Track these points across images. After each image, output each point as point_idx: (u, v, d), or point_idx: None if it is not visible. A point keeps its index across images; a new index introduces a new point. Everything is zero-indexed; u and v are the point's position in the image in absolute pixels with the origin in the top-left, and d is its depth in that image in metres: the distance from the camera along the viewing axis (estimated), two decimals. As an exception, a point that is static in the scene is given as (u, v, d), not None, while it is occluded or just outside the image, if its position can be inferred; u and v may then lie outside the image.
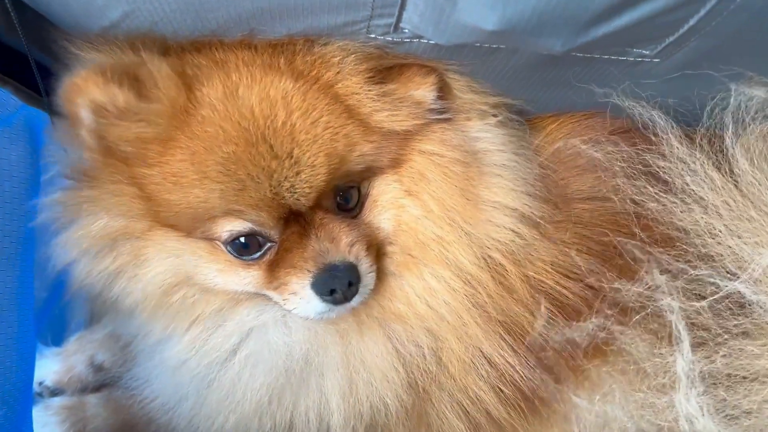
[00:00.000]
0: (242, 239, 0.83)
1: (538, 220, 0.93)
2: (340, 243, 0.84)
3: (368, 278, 0.86)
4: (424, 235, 0.91)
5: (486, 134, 0.94)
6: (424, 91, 0.87)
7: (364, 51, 0.84)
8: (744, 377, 0.83)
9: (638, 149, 0.92)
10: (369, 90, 0.83)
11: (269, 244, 0.84)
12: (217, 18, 0.76)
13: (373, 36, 0.81)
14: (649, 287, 0.85)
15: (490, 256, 0.92)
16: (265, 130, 0.77)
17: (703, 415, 0.80)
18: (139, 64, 0.76)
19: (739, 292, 0.81)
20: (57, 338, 1.24)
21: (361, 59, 0.84)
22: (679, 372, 0.82)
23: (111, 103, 0.75)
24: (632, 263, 0.89)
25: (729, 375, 0.83)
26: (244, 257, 0.84)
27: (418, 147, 0.90)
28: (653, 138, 0.92)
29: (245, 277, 0.86)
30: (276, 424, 0.93)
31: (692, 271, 0.82)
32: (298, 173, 0.79)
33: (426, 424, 0.97)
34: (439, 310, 0.91)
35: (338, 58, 0.83)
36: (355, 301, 0.85)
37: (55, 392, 1.18)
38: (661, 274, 0.85)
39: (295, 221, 0.83)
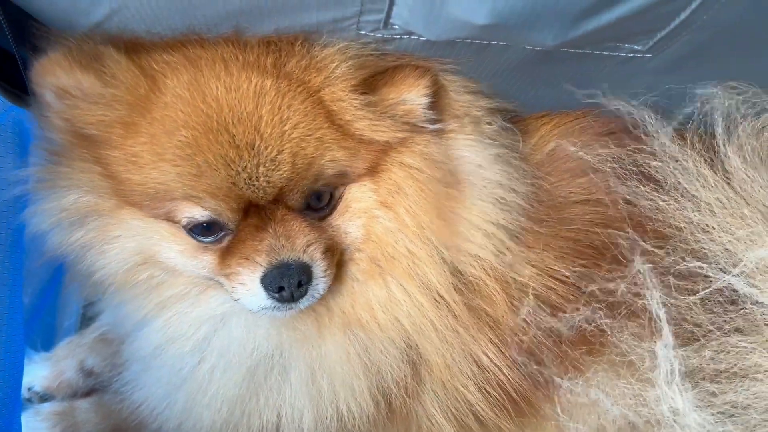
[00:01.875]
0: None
1: (522, 232, 0.93)
2: (296, 242, 0.83)
3: (321, 282, 0.85)
4: (394, 248, 0.91)
5: (472, 153, 0.93)
6: (416, 94, 0.86)
7: (361, 57, 0.84)
8: (735, 373, 0.82)
9: (629, 150, 0.92)
10: (354, 98, 0.83)
11: (225, 232, 0.84)
12: (204, 14, 0.75)
13: (363, 33, 0.81)
14: (635, 281, 0.84)
15: (463, 272, 0.92)
16: (229, 118, 0.77)
17: (691, 409, 0.79)
18: (103, 54, 0.77)
19: (730, 286, 0.81)
20: (46, 343, 1.24)
21: (355, 66, 0.83)
22: (661, 364, 0.81)
23: (75, 87, 0.78)
24: (622, 259, 0.88)
25: (720, 371, 0.83)
26: (202, 239, 0.84)
27: (399, 159, 0.89)
28: (644, 137, 0.92)
29: (201, 260, 0.86)
30: (253, 423, 0.94)
31: (683, 264, 0.82)
32: (257, 165, 0.78)
33: (416, 426, 0.97)
34: (402, 321, 0.91)
35: (334, 64, 0.83)
36: (303, 303, 0.85)
37: (44, 398, 1.17)
38: (647, 267, 0.84)
39: (256, 213, 0.82)
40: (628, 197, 0.89)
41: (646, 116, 0.90)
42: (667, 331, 0.81)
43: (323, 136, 0.81)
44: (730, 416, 0.81)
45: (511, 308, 0.92)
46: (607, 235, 0.90)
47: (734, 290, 0.83)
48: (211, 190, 0.79)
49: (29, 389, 1.16)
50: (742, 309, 0.83)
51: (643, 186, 0.89)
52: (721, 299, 0.85)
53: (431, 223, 0.89)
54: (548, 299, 0.91)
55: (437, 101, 0.89)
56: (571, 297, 0.91)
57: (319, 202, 0.87)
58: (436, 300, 0.91)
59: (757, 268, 0.81)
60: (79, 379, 1.19)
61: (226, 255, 0.84)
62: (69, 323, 1.30)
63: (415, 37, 0.82)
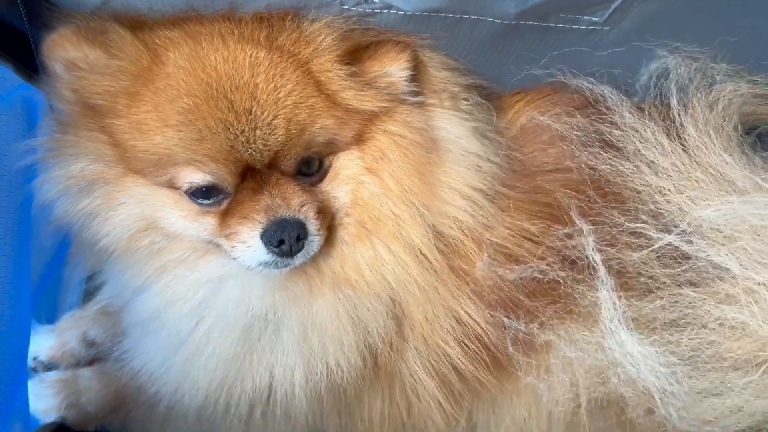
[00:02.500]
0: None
1: (497, 197, 1.00)
2: (291, 201, 0.89)
3: (314, 239, 0.91)
4: (379, 211, 0.97)
5: (450, 125, 0.99)
6: (397, 67, 0.92)
7: (347, 30, 0.91)
8: (687, 323, 0.89)
9: (593, 119, 0.98)
10: (340, 69, 0.89)
11: (224, 195, 0.90)
12: None
13: (346, 7, 0.88)
14: (582, 236, 0.92)
15: (443, 233, 0.98)
16: (227, 86, 0.84)
17: (635, 342, 0.86)
18: (109, 29, 0.85)
19: (673, 243, 0.89)
20: (50, 317, 1.29)
21: (340, 39, 0.90)
22: (603, 304, 0.90)
23: (82, 59, 0.85)
24: (578, 218, 0.96)
25: (673, 320, 0.90)
26: (202, 201, 0.90)
27: (383, 127, 0.95)
28: (606, 110, 0.99)
29: (202, 223, 0.91)
30: (246, 384, 1.00)
31: (638, 223, 0.89)
32: (254, 129, 0.85)
33: (400, 382, 1.03)
34: (388, 278, 0.97)
35: (321, 36, 0.89)
36: (299, 259, 0.90)
37: (49, 367, 1.22)
38: (591, 226, 0.93)
39: (252, 177, 0.88)
40: (591, 162, 0.96)
41: (606, 91, 0.98)
42: (603, 272, 0.89)
43: (314, 104, 0.88)
44: (681, 361, 0.88)
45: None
46: (570, 196, 0.97)
47: (682, 246, 0.90)
48: (212, 154, 0.85)
49: (34, 359, 1.21)
50: (693, 263, 0.90)
51: (605, 153, 0.96)
52: (675, 254, 0.92)
53: (413, 186, 0.96)
54: (521, 257, 0.97)
55: (417, 75, 0.95)
56: (541, 254, 0.97)
57: (309, 168, 0.93)
58: (419, 258, 0.97)
59: (705, 225, 0.88)
60: (81, 349, 1.24)
61: (225, 217, 0.90)
62: (72, 299, 1.35)
63: (394, 11, 0.89)
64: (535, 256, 0.96)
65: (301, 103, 0.87)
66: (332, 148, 0.94)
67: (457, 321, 0.99)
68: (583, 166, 0.97)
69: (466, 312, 0.99)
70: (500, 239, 0.99)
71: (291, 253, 0.89)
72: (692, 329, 0.89)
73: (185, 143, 0.85)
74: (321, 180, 0.95)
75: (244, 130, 0.85)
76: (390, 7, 0.89)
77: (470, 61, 1.02)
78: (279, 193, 0.89)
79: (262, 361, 1.00)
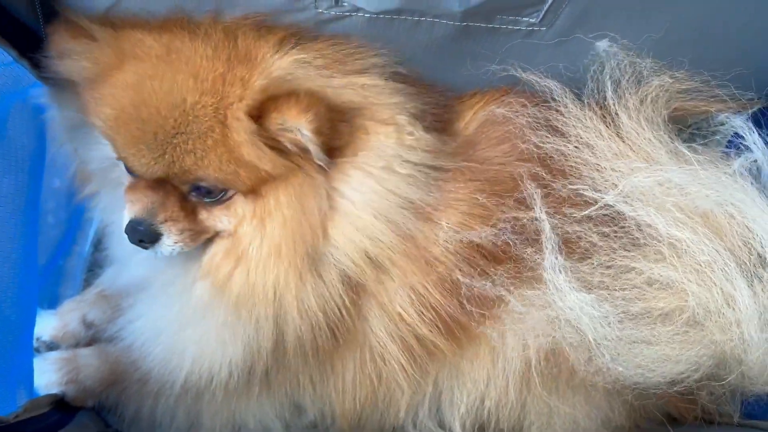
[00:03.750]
0: None
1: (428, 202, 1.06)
2: (158, 215, 0.99)
3: (166, 248, 1.01)
4: (251, 255, 1.02)
5: (360, 189, 1.00)
6: (300, 124, 0.89)
7: (274, 77, 0.93)
8: (621, 282, 1.01)
9: (541, 108, 1.10)
10: (248, 122, 0.91)
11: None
12: None
13: (320, 11, 1.00)
14: (532, 200, 1.04)
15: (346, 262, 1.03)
16: (147, 110, 0.93)
17: (570, 289, 0.98)
18: (93, 29, 0.98)
19: (609, 206, 1.01)
20: (52, 304, 1.37)
21: (266, 85, 0.92)
22: (548, 266, 1.01)
23: (70, 49, 0.98)
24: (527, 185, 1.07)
25: (608, 280, 1.02)
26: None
27: (275, 192, 0.97)
28: (551, 101, 1.12)
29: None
30: (224, 350, 1.09)
31: (578, 192, 1.02)
32: (145, 152, 0.94)
33: (369, 348, 1.12)
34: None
35: (254, 77, 0.93)
36: (155, 252, 1.02)
37: (51, 347, 1.30)
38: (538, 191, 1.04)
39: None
40: (539, 143, 1.07)
41: (552, 84, 1.10)
42: (548, 229, 1.01)
43: (206, 156, 0.93)
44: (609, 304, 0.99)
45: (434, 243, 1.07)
46: (519, 174, 1.08)
47: (615, 210, 1.02)
48: (123, 148, 0.97)
49: (37, 339, 1.28)
50: (626, 226, 1.02)
51: (551, 135, 1.07)
52: (610, 219, 1.04)
53: (289, 253, 0.99)
54: (471, 226, 1.07)
55: (333, 131, 0.94)
56: (494, 222, 1.07)
57: (208, 192, 1.00)
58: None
59: (637, 190, 1.01)
60: (81, 330, 1.31)
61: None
62: (72, 290, 1.45)
63: (361, 14, 1.01)
64: (489, 223, 1.06)
65: (194, 153, 0.93)
66: (227, 186, 0.99)
67: (413, 293, 1.07)
68: (532, 147, 1.08)
69: (421, 284, 1.07)
70: (457, 217, 1.08)
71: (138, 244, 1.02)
72: (624, 287, 1.00)
73: (111, 132, 0.97)
74: (218, 203, 1.01)
75: (141, 148, 0.95)
76: (357, 9, 1.00)
77: (430, 64, 1.12)
78: (158, 200, 0.99)
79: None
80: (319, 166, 0.95)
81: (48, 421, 1.11)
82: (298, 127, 0.89)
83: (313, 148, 0.91)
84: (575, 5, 1.00)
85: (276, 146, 0.93)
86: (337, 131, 0.95)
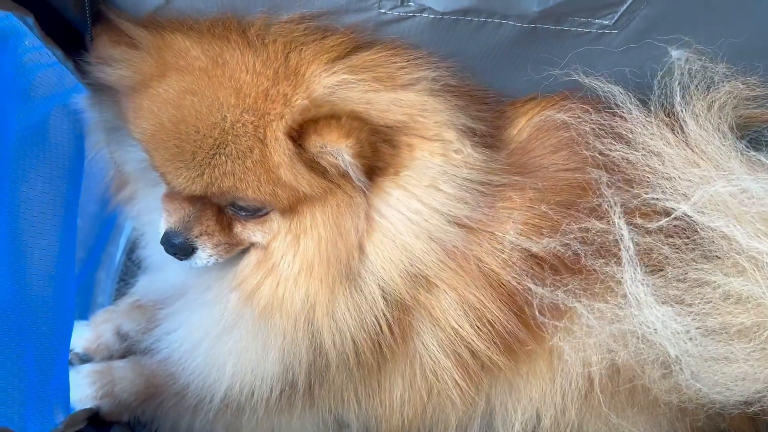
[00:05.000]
0: None
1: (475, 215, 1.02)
2: (194, 228, 1.00)
3: (201, 260, 1.03)
4: (281, 276, 1.01)
5: (404, 208, 0.98)
6: (340, 149, 0.87)
7: (316, 97, 0.91)
8: (696, 295, 0.97)
9: (604, 114, 1.06)
10: (287, 143, 0.89)
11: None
12: None
13: (383, 11, 0.96)
14: (609, 206, 1.00)
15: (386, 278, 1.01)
16: (186, 129, 0.91)
17: (659, 314, 0.94)
18: (137, 34, 0.96)
19: (685, 215, 0.97)
20: (84, 314, 1.35)
21: (305, 108, 0.90)
22: (627, 278, 0.97)
23: (111, 56, 0.97)
24: (598, 204, 1.03)
25: (682, 294, 0.98)
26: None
27: (313, 210, 0.96)
28: (615, 107, 1.08)
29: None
30: (267, 364, 1.07)
31: (649, 202, 0.98)
32: (184, 170, 0.94)
33: (419, 364, 1.10)
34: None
35: (296, 97, 0.91)
36: (189, 263, 1.03)
37: (84, 359, 1.28)
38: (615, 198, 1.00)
39: None
40: (603, 150, 1.03)
41: (616, 90, 1.06)
42: (627, 237, 0.96)
43: (245, 178, 0.92)
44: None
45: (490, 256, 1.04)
46: (588, 182, 1.04)
47: (689, 221, 0.98)
48: (161, 164, 0.96)
49: (71, 351, 1.26)
50: (701, 237, 0.98)
51: (617, 143, 1.03)
52: (683, 231, 1.00)
53: (322, 273, 0.98)
54: (532, 237, 1.04)
55: (375, 154, 0.92)
56: (563, 231, 1.03)
57: (244, 209, 1.00)
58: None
59: (713, 200, 0.96)
60: (115, 342, 1.29)
61: (167, 194, 1.03)
62: (102, 298, 1.42)
63: (426, 15, 0.97)
64: (557, 233, 1.02)
65: (233, 174, 0.92)
66: (265, 205, 0.98)
67: (468, 307, 1.04)
68: (597, 154, 1.04)
69: (477, 299, 1.04)
70: (514, 228, 1.04)
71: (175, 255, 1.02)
72: (699, 301, 0.96)
73: (149, 147, 0.96)
74: (254, 218, 1.01)
75: (179, 167, 0.93)
76: (423, 9, 0.96)
77: (489, 68, 1.08)
78: (194, 212, 1.00)
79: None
80: (360, 185, 0.94)
81: (83, 437, 1.07)
82: (339, 151, 0.87)
83: (354, 172, 0.90)
84: (654, 7, 0.96)
85: (315, 167, 0.91)
86: (379, 152, 0.92)
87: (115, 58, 0.96)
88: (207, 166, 0.92)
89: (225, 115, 0.89)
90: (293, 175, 0.90)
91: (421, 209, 0.97)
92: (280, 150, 0.89)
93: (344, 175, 0.92)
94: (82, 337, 1.28)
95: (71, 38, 1.00)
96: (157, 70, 0.93)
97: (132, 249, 1.45)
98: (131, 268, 1.44)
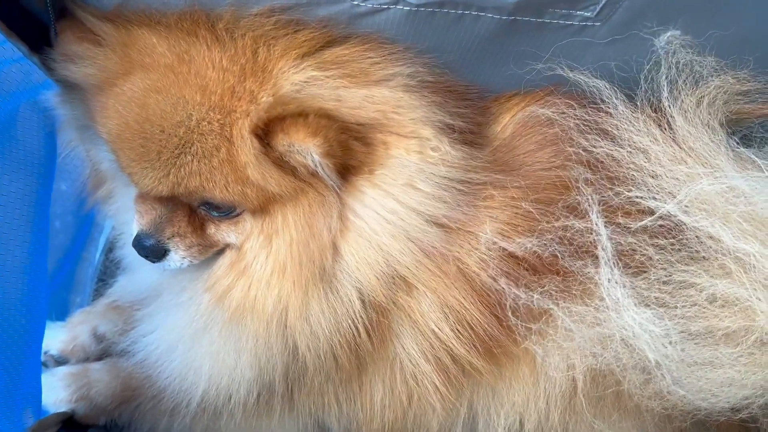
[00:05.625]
0: None
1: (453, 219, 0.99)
2: (166, 230, 0.98)
3: (174, 263, 1.00)
4: (254, 274, 0.99)
5: (379, 208, 0.95)
6: (308, 148, 0.84)
7: (282, 94, 0.88)
8: (680, 298, 0.93)
9: (589, 110, 1.03)
10: (252, 141, 0.86)
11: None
12: None
13: (356, 3, 0.93)
14: (587, 204, 0.96)
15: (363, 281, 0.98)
16: (152, 128, 0.89)
17: (638, 316, 0.90)
18: (102, 30, 0.93)
19: (669, 215, 0.93)
20: (61, 315, 1.33)
21: (270, 105, 0.87)
22: (604, 280, 0.94)
23: (75, 52, 0.94)
24: (578, 202, 0.99)
25: (665, 297, 0.94)
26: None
27: (284, 210, 0.94)
28: (601, 103, 1.04)
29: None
30: (243, 368, 1.04)
31: (633, 200, 0.94)
32: (150, 170, 0.91)
33: (399, 368, 1.07)
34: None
35: (262, 93, 0.88)
36: (162, 266, 1.01)
37: (59, 361, 1.26)
38: (594, 197, 0.96)
39: None
40: (587, 147, 1.00)
41: (601, 84, 1.02)
42: (605, 237, 0.93)
43: (212, 177, 0.89)
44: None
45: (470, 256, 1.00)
46: (567, 180, 1.01)
47: (674, 221, 0.95)
48: (125, 167, 0.94)
49: (45, 353, 1.24)
50: (686, 238, 0.95)
51: (602, 140, 1.00)
52: (668, 231, 0.96)
53: (295, 274, 0.95)
54: (512, 237, 1.00)
55: (346, 152, 0.89)
56: (540, 231, 1.00)
57: (216, 208, 0.97)
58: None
59: (699, 198, 0.93)
60: (91, 343, 1.27)
61: (138, 195, 1.00)
62: (82, 299, 1.40)
63: (401, 7, 0.93)
64: (534, 233, 0.99)
65: (200, 174, 0.89)
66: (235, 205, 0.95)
67: (448, 309, 1.01)
68: (581, 151, 1.00)
69: (457, 300, 1.01)
70: (495, 227, 1.01)
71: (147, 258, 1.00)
72: (684, 304, 0.93)
73: (114, 146, 0.93)
74: (227, 218, 0.99)
75: (145, 167, 0.91)
76: (398, 1, 0.92)
77: (469, 63, 1.05)
78: (166, 213, 0.98)
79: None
80: (332, 185, 0.91)
81: (56, 442, 1.04)
82: (307, 150, 0.84)
83: (323, 172, 0.87)
84: (634, -1, 0.92)
85: (284, 166, 0.88)
86: (351, 150, 0.89)
87: (79, 55, 0.93)
88: (173, 165, 0.89)
89: (190, 113, 0.86)
90: (261, 175, 0.88)
91: (397, 209, 0.94)
92: (247, 149, 0.87)
93: (315, 174, 0.89)
94: (57, 338, 1.26)
95: (36, 32, 0.97)
96: (122, 67, 0.90)
97: (111, 249, 1.41)
98: (110, 267, 1.41)
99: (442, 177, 0.96)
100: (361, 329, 1.00)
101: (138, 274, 1.24)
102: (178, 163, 0.89)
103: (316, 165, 0.86)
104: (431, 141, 0.94)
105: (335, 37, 0.95)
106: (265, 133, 0.86)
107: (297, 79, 0.88)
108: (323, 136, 0.83)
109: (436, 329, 1.02)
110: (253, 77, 0.88)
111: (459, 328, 1.02)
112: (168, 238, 0.98)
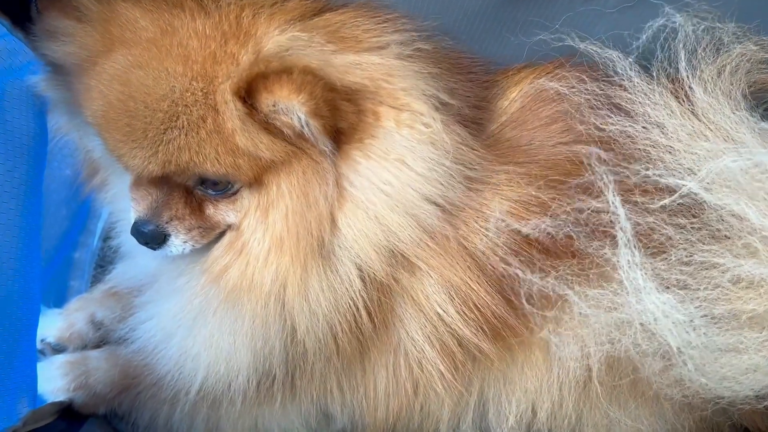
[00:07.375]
0: None
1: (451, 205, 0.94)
2: (163, 213, 0.94)
3: (174, 247, 0.96)
4: (251, 251, 0.94)
5: (374, 178, 0.90)
6: (292, 105, 0.80)
7: (265, 52, 0.83)
8: (702, 280, 0.89)
9: (601, 83, 0.98)
10: (236, 104, 0.82)
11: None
12: None
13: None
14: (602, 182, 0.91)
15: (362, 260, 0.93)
16: (135, 104, 0.85)
17: (659, 302, 0.86)
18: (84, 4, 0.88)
19: (691, 193, 0.88)
20: (59, 301, 1.30)
21: (252, 63, 0.83)
22: (625, 271, 0.88)
23: (57, 28, 0.90)
24: (593, 181, 0.94)
25: (687, 279, 0.89)
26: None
27: (277, 180, 0.89)
28: (614, 75, 0.99)
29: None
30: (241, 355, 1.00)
31: (650, 178, 0.89)
32: (136, 155, 0.87)
33: (403, 353, 1.03)
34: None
35: (242, 52, 0.84)
36: (164, 252, 0.97)
37: (57, 349, 1.23)
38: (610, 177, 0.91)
39: None
40: (599, 125, 0.95)
41: (614, 55, 0.98)
42: (623, 216, 0.88)
43: (202, 150, 0.85)
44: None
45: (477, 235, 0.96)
46: (580, 157, 0.96)
47: (695, 199, 0.89)
48: (112, 150, 0.90)
49: (42, 341, 1.21)
50: (707, 217, 0.90)
51: (614, 115, 0.95)
52: (689, 209, 0.91)
53: (292, 246, 0.91)
54: (522, 217, 0.96)
55: (334, 113, 0.84)
56: (553, 213, 0.95)
57: (213, 185, 0.93)
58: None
59: (716, 177, 0.88)
60: (89, 330, 1.24)
61: (133, 181, 0.97)
62: (80, 284, 1.36)
63: None
64: (546, 213, 0.95)
65: (189, 148, 0.85)
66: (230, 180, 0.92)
67: (453, 290, 0.97)
68: (592, 129, 0.96)
69: (463, 281, 0.97)
70: (503, 206, 0.97)
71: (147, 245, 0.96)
72: (706, 287, 0.88)
73: (100, 128, 0.89)
74: (224, 197, 0.95)
75: (133, 147, 0.87)
76: None
77: (476, 34, 1.01)
78: (162, 197, 0.94)
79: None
80: (324, 149, 0.86)
81: (54, 432, 1.01)
82: (292, 108, 0.80)
83: (311, 132, 0.83)
84: (653, -40, 0.87)
85: (271, 129, 0.84)
86: (340, 111, 0.84)
87: (61, 31, 0.89)
88: (160, 142, 0.85)
89: (173, 86, 0.83)
90: (249, 141, 0.83)
91: (392, 180, 0.90)
92: (231, 113, 0.82)
93: (303, 136, 0.84)
94: (55, 326, 1.23)
95: (19, 6, 0.94)
96: (102, 45, 0.87)
97: (108, 234, 1.38)
98: (108, 254, 1.38)
99: (436, 159, 0.91)
100: (362, 309, 0.95)
101: (136, 261, 1.21)
102: (165, 139, 0.85)
103: (303, 125, 0.81)
104: (424, 116, 0.89)
105: (329, 6, 0.91)
106: (248, 93, 0.82)
107: (281, 39, 0.84)
108: (308, 92, 0.78)
109: (441, 311, 0.98)
110: (235, 39, 0.84)
111: (465, 309, 0.97)
112: (167, 222, 0.94)
